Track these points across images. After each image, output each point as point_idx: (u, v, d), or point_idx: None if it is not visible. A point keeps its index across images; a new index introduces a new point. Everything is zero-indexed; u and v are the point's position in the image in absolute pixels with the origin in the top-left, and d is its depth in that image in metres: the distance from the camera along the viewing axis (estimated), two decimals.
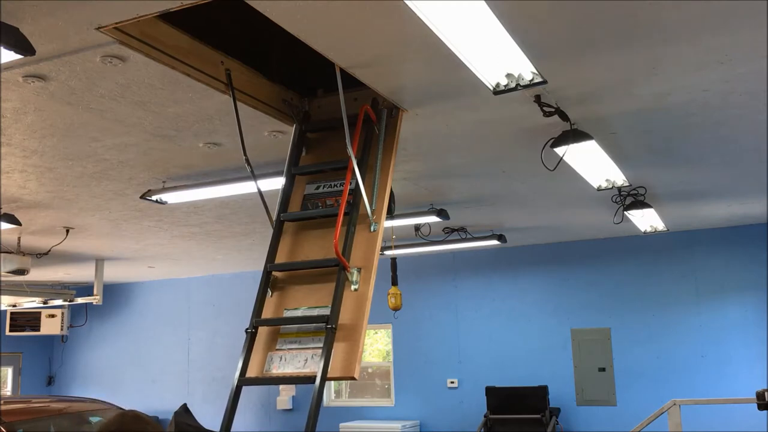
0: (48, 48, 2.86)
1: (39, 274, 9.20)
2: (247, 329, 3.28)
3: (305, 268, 3.39)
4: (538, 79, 3.20)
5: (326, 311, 3.15)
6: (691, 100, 3.80)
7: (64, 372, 11.96)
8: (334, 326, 3.06)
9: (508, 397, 8.41)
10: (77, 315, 11.09)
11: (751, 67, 3.35)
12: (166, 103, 3.60)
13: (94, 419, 5.94)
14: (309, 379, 2.99)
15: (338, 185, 3.56)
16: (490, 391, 8.50)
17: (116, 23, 2.66)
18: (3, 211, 5.83)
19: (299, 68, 3.76)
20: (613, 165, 4.78)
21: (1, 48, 2.49)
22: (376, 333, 10.14)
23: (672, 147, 4.72)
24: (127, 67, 3.10)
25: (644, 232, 7.55)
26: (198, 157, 4.58)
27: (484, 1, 2.49)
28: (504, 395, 8.44)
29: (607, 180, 5.12)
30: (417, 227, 7.09)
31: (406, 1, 2.40)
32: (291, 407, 10.05)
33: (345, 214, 3.32)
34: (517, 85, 3.18)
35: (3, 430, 4.96)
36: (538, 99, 3.62)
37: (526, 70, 3.14)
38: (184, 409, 9.09)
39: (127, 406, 6.88)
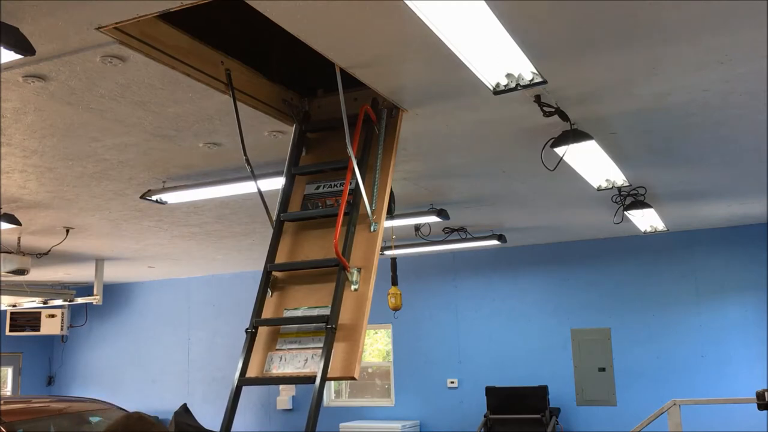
0: (48, 48, 2.86)
1: (39, 274, 9.20)
2: (247, 329, 3.28)
3: (305, 268, 3.39)
4: (538, 79, 3.20)
5: (326, 311, 3.15)
6: (691, 100, 3.80)
7: (64, 372, 11.96)
8: (334, 326, 3.06)
9: (508, 397, 8.41)
10: (77, 315, 11.09)
11: (751, 67, 3.36)
12: (166, 103, 3.60)
13: (94, 419, 5.94)
14: (309, 379, 2.99)
15: (338, 185, 3.56)
16: (490, 391, 8.50)
17: (116, 23, 2.66)
18: (3, 211, 5.83)
19: (299, 68, 3.76)
20: (613, 165, 4.78)
21: (1, 48, 2.49)
22: (376, 333, 10.14)
23: (672, 147, 4.72)
24: (127, 67, 3.10)
25: (644, 232, 7.55)
26: (198, 157, 4.58)
27: (484, 1, 2.49)
28: (504, 395, 8.44)
29: (607, 180, 5.12)
30: (417, 227, 7.09)
31: (406, 1, 2.40)
32: (291, 407, 10.05)
33: (345, 214, 3.32)
34: (517, 85, 3.18)
35: (3, 430, 4.96)
36: (538, 99, 3.62)
37: (526, 70, 3.14)
38: (184, 409, 9.11)
39: (127, 406, 6.88)
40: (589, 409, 8.45)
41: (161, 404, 10.73)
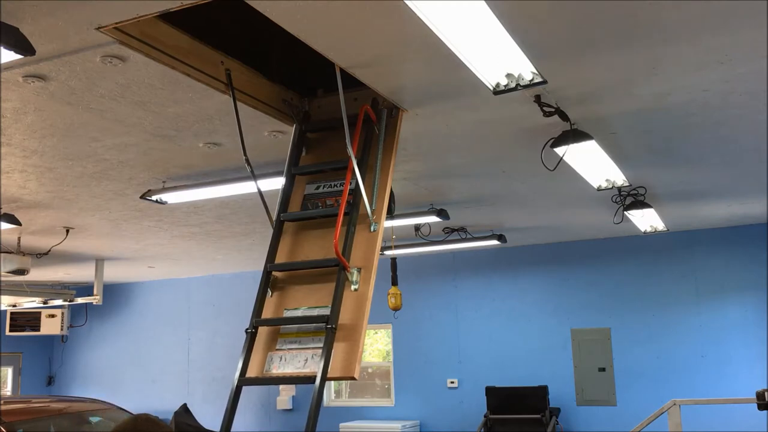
0: (48, 48, 2.86)
1: (39, 274, 9.20)
2: (247, 329, 3.28)
3: (305, 268, 3.39)
4: (538, 79, 3.20)
5: (326, 311, 3.15)
6: (691, 100, 3.80)
7: (64, 372, 11.96)
8: (334, 326, 3.06)
9: (508, 397, 8.41)
10: (77, 315, 11.09)
11: (751, 67, 3.36)
12: (166, 103, 3.60)
13: (94, 419, 5.94)
14: (309, 379, 2.99)
15: (338, 185, 3.56)
16: (490, 391, 8.50)
17: (116, 23, 2.66)
18: (3, 211, 5.83)
19: (299, 68, 3.76)
20: (613, 165, 4.78)
21: (1, 48, 2.49)
22: (376, 333, 10.14)
23: (672, 147, 4.72)
24: (127, 67, 3.10)
25: (644, 232, 7.55)
26: (198, 157, 4.58)
27: (484, 1, 2.49)
28: (504, 395, 8.44)
29: (607, 180, 5.12)
30: (417, 227, 7.09)
31: (406, 1, 2.40)
32: (291, 407, 10.05)
33: (345, 214, 3.32)
34: (517, 85, 3.18)
35: (3, 430, 4.96)
36: (538, 99, 3.62)
37: (526, 70, 3.14)
38: (184, 409, 9.12)
39: (127, 406, 6.89)
40: (589, 409, 8.45)
41: (161, 404, 10.73)
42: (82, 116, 3.74)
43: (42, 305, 9.48)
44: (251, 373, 3.20)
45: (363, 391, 10.02)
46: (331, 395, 10.06)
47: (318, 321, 3.15)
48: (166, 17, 2.90)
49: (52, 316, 10.37)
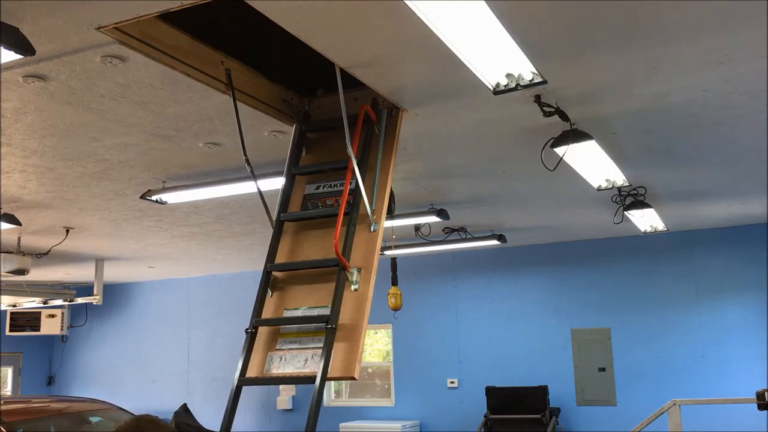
0: (48, 48, 2.86)
1: (39, 274, 9.20)
2: (247, 329, 3.28)
3: (305, 268, 3.39)
4: (538, 79, 3.20)
5: (326, 311, 3.15)
6: (691, 100, 3.80)
7: (64, 372, 11.96)
8: (334, 326, 3.06)
9: (508, 397, 8.41)
10: (77, 315, 11.09)
11: (751, 67, 3.36)
12: (166, 103, 3.60)
13: (94, 419, 5.94)
14: (309, 379, 2.99)
15: (338, 185, 3.56)
16: (490, 391, 8.50)
17: (116, 23, 2.66)
18: (3, 211, 5.83)
19: (299, 68, 3.76)
20: (613, 165, 4.78)
21: (1, 48, 2.49)
22: (376, 333, 10.14)
23: (672, 147, 4.72)
24: (127, 67, 3.10)
25: (644, 232, 7.55)
26: (198, 157, 4.58)
27: (484, 1, 2.49)
28: (504, 395, 8.44)
29: (607, 180, 5.12)
30: (417, 227, 7.09)
31: (406, 1, 2.40)
32: (291, 407, 10.05)
33: (345, 214, 3.32)
34: (517, 85, 3.18)
35: (3, 430, 4.96)
36: (538, 99, 3.62)
37: (526, 70, 3.14)
38: (184, 409, 9.12)
39: (127, 406, 6.89)
40: (589, 409, 8.45)
41: (161, 404, 10.73)
42: (82, 116, 3.74)
43: (42, 305, 9.48)
44: (251, 373, 3.20)
45: (363, 391, 10.02)
46: (331, 395, 10.07)
47: (318, 321, 3.15)
48: (166, 17, 2.90)
49: (52, 316, 10.37)
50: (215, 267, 10.11)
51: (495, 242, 7.82)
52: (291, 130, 3.81)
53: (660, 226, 7.21)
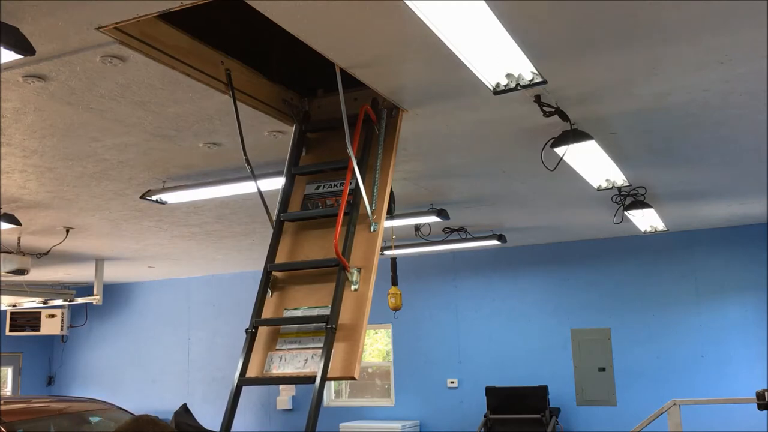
0: (48, 48, 2.86)
1: (39, 274, 9.20)
2: (247, 329, 3.28)
3: (305, 268, 3.39)
4: (538, 79, 3.20)
5: (326, 311, 3.15)
6: (691, 100, 3.80)
7: (64, 372, 11.96)
8: (334, 326, 3.06)
9: (508, 397, 8.41)
10: (77, 315, 11.09)
11: (751, 67, 3.36)
12: (166, 103, 3.60)
13: (94, 419, 5.94)
14: (309, 379, 2.99)
15: (338, 185, 3.56)
16: (490, 391, 8.50)
17: (116, 23, 2.66)
18: (3, 211, 5.83)
19: (299, 68, 3.76)
20: (613, 165, 4.78)
21: (1, 48, 2.49)
22: (376, 333, 10.14)
23: (672, 147, 4.72)
24: (127, 67, 3.10)
25: (644, 232, 7.55)
26: (198, 157, 4.58)
27: (484, 1, 2.49)
28: (504, 395, 8.44)
29: (607, 180, 5.12)
30: (417, 227, 7.09)
31: (406, 1, 2.40)
32: (291, 407, 10.05)
33: (345, 214, 3.32)
34: (517, 85, 3.18)
35: (3, 430, 4.96)
36: (538, 99, 3.62)
37: (526, 70, 3.14)
38: (184, 409, 9.12)
39: (127, 406, 6.89)
40: (589, 409, 8.45)
41: (161, 404, 10.73)
42: (82, 116, 3.74)
43: (42, 305, 9.48)
44: (251, 373, 3.20)
45: (363, 391, 10.02)
46: (331, 395, 10.07)
47: (318, 321, 3.15)
48: (166, 17, 2.90)
49: (52, 316, 10.37)
50: (215, 267, 10.11)
51: (495, 242, 7.82)
52: (291, 130, 3.81)
53: (660, 226, 7.21)
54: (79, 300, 9.18)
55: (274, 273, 3.45)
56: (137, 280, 11.40)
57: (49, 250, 7.41)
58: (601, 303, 8.58)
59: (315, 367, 3.04)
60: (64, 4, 2.50)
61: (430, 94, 3.54)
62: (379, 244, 3.32)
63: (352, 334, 3.09)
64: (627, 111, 3.95)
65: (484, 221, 7.22)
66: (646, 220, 6.78)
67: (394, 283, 6.59)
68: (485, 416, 8.42)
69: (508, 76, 3.15)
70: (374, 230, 3.35)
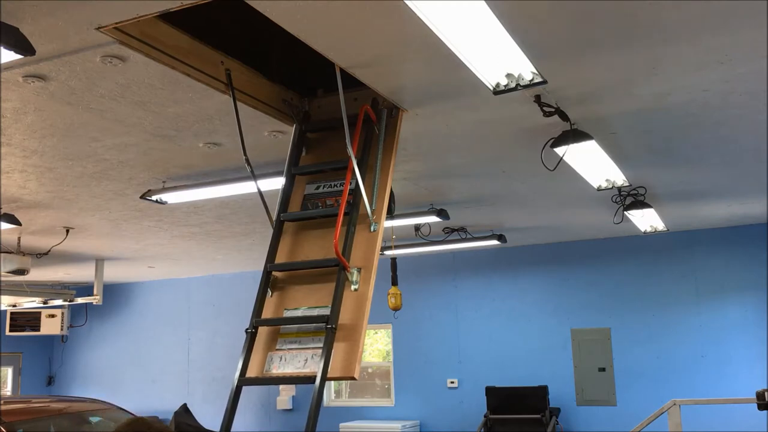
0: (48, 48, 2.86)
1: (39, 274, 9.20)
2: (247, 329, 3.28)
3: (305, 268, 3.39)
4: (538, 79, 3.20)
5: (326, 311, 3.15)
6: (691, 100, 3.80)
7: (64, 372, 11.96)
8: (334, 326, 3.06)
9: (508, 397, 8.41)
10: (77, 315, 11.09)
11: (751, 67, 3.36)
12: (166, 103, 3.60)
13: (94, 419, 5.94)
14: (309, 379, 2.99)
15: (338, 185, 3.56)
16: (490, 391, 8.50)
17: (116, 23, 2.66)
18: (3, 211, 5.83)
19: (299, 68, 3.76)
20: (613, 165, 4.78)
21: (1, 48, 2.49)
22: (376, 333, 10.14)
23: (672, 147, 4.72)
24: (127, 67, 3.10)
25: (644, 232, 7.55)
26: (198, 157, 4.58)
27: (484, 1, 2.49)
28: (504, 395, 8.44)
29: (607, 180, 5.13)
30: (417, 227, 7.09)
31: (406, 1, 2.40)
32: (291, 407, 10.05)
33: (345, 214, 3.32)
34: (517, 85, 3.18)
35: (3, 430, 4.96)
36: (538, 99, 3.62)
37: (526, 70, 3.14)
38: (184, 409, 9.11)
39: (127, 406, 6.89)
40: (589, 409, 8.45)
41: (161, 404, 10.73)
42: (82, 116, 3.74)
43: (42, 305, 9.48)
44: (251, 373, 3.20)
45: (363, 391, 10.02)
46: (331, 395, 10.07)
47: (318, 321, 3.15)
48: (166, 17, 2.90)
49: (52, 316, 10.36)
50: (215, 267, 10.10)
51: (495, 242, 7.82)
52: (291, 130, 3.81)
53: (660, 226, 7.21)
54: (79, 300, 9.18)
55: (274, 273, 3.45)
56: (137, 280, 11.40)
57: (49, 250, 7.41)
58: (601, 303, 8.58)
59: (315, 367, 3.04)
60: (64, 4, 2.51)
61: (430, 94, 3.54)
62: (379, 244, 3.32)
63: (352, 334, 3.09)
64: (627, 111, 3.95)
65: (484, 221, 7.22)
66: (646, 220, 6.78)
67: (394, 283, 6.59)
68: (485, 416, 8.42)
69: (508, 76, 3.15)
70: (374, 230, 3.35)
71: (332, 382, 8.90)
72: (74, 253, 8.13)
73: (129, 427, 2.17)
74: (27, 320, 10.29)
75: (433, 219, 6.43)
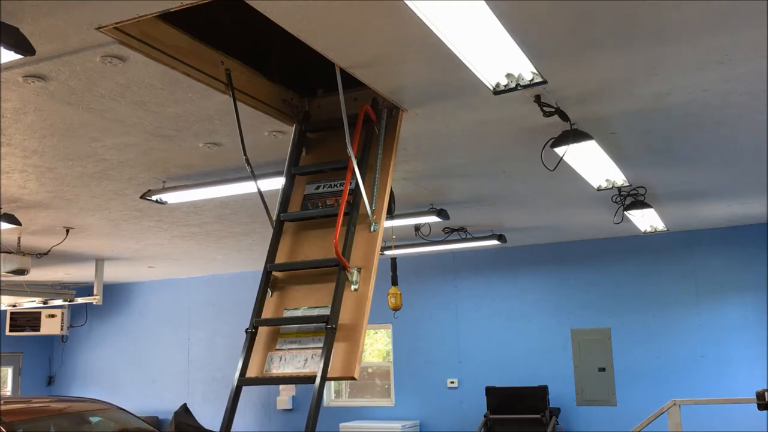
0: (48, 48, 2.86)
1: (39, 274, 9.20)
2: (247, 329, 3.28)
3: (305, 268, 3.39)
4: (538, 79, 3.20)
5: (326, 311, 3.15)
6: (691, 100, 3.80)
7: (64, 372, 11.96)
8: (334, 326, 3.06)
9: (508, 397, 8.41)
10: (77, 315, 11.09)
11: (751, 67, 3.36)
12: (166, 103, 3.60)
13: (94, 419, 5.94)
14: (309, 379, 2.99)
15: (338, 185, 3.56)
16: (490, 391, 8.50)
17: (116, 23, 2.66)
18: (3, 211, 5.83)
19: (299, 68, 3.76)
20: (613, 165, 4.78)
21: (1, 48, 2.49)
22: (376, 333, 10.14)
23: (672, 147, 4.72)
24: (127, 67, 3.10)
25: (644, 232, 7.55)
26: (198, 157, 4.58)
27: (484, 1, 2.49)
28: (504, 395, 8.44)
29: (607, 180, 5.13)
30: (417, 227, 7.09)
31: (406, 1, 2.40)
32: (291, 407, 10.05)
33: (345, 214, 3.32)
34: (517, 85, 3.18)
35: (3, 430, 4.96)
36: (538, 99, 3.62)
37: (526, 70, 3.14)
38: (184, 409, 9.13)
39: (127, 406, 6.89)
40: (589, 409, 8.45)
41: (161, 404, 10.73)
42: (82, 116, 3.75)
43: (42, 305, 9.48)
44: (251, 373, 3.19)
45: (363, 391, 10.02)
46: (331, 395, 10.07)
47: (318, 321, 3.15)
48: (166, 17, 2.90)
49: (52, 316, 10.36)
50: (215, 267, 10.11)
51: (495, 242, 7.82)
52: (291, 130, 3.81)
53: (660, 226, 7.21)
54: (79, 300, 9.18)
55: (274, 273, 3.45)
56: (137, 280, 11.40)
57: (49, 250, 7.41)
58: (601, 303, 8.58)
59: (315, 367, 3.04)
60: (64, 4, 2.51)
61: (430, 94, 3.54)
62: (379, 244, 3.32)
63: (352, 334, 3.09)
64: (627, 111, 3.95)
65: (484, 221, 7.22)
66: (646, 220, 6.78)
67: (394, 283, 6.59)
68: (485, 416, 8.42)
69: (508, 76, 3.15)
70: (374, 230, 3.35)
71: (332, 382, 8.89)
72: (74, 253, 8.13)
73: None
74: (27, 320, 10.29)
75: (433, 219, 6.43)
